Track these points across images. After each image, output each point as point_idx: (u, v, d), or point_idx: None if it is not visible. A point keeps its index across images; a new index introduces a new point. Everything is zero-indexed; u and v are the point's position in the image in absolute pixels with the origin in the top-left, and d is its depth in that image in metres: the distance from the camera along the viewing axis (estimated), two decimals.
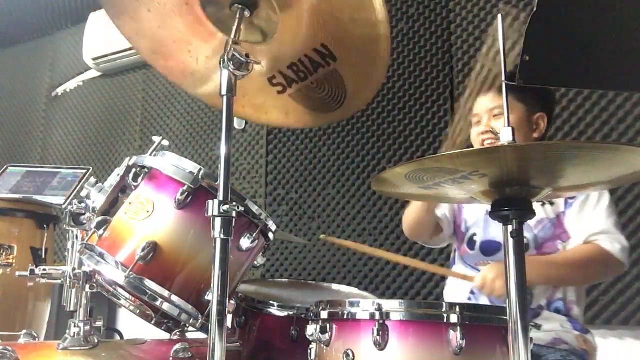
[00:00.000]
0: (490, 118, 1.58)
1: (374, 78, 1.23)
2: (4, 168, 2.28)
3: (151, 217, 1.21)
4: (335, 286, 1.92)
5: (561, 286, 1.54)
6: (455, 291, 1.67)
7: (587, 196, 1.54)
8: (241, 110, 1.39)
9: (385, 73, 1.24)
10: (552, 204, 1.57)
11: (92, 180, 1.31)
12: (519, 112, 1.54)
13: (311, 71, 1.24)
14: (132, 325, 1.63)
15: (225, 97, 1.07)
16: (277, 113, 1.39)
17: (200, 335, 1.26)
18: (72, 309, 1.20)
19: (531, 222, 1.54)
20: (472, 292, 1.59)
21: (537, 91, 1.55)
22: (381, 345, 1.06)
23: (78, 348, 1.16)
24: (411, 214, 1.71)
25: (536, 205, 1.54)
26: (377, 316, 1.08)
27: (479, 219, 1.67)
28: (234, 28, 1.13)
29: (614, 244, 1.47)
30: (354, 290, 1.90)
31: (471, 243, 1.66)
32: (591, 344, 1.53)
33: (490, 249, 1.61)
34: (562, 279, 1.53)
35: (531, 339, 0.99)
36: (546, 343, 1.46)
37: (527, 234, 1.54)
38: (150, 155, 1.28)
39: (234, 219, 1.00)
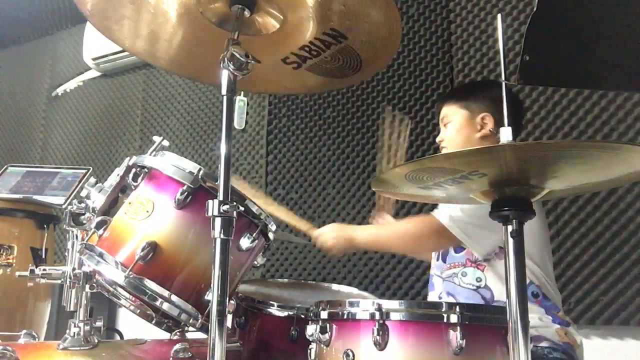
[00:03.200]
0: (442, 127, 1.73)
1: (387, 50, 1.26)
2: (4, 168, 2.28)
3: (151, 217, 1.21)
4: (335, 286, 1.92)
5: (386, 251, 1.77)
6: (431, 296, 1.72)
7: None
8: (259, 87, 1.42)
9: (398, 45, 1.27)
10: None
11: (92, 180, 1.31)
12: (461, 118, 1.69)
13: (323, 49, 1.25)
14: (132, 325, 1.63)
15: (225, 97, 1.07)
16: (295, 84, 1.44)
17: (200, 335, 1.26)
18: (72, 309, 1.20)
19: None
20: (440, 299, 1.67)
21: (480, 95, 1.67)
22: (381, 345, 1.06)
23: (78, 348, 1.16)
24: None
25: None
26: (377, 316, 1.08)
27: None
28: (234, 28, 1.13)
29: (444, 212, 1.56)
30: (354, 290, 1.90)
31: (437, 255, 1.72)
32: (573, 336, 1.52)
33: (445, 255, 1.67)
34: (392, 246, 1.78)
35: (531, 338, 0.99)
36: None
37: None
38: (150, 155, 1.28)
39: (234, 219, 1.00)
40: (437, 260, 1.71)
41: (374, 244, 1.73)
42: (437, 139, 1.75)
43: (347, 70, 1.31)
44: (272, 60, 1.29)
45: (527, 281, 1.51)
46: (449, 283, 1.62)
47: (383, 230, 1.74)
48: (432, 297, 1.70)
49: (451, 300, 1.59)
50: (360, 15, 1.15)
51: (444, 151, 1.69)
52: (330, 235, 1.70)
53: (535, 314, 1.50)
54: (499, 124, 1.63)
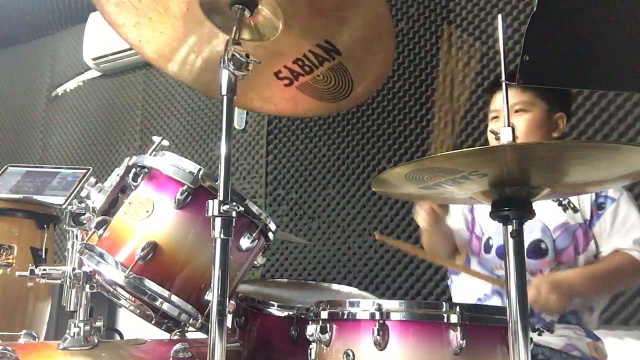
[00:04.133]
0: (510, 113, 1.57)
1: (380, 70, 1.24)
2: (4, 168, 2.28)
3: (151, 217, 1.21)
4: (335, 286, 1.92)
5: (596, 296, 1.55)
6: (468, 288, 1.66)
7: (617, 206, 1.51)
8: (249, 103, 1.40)
9: (391, 66, 1.25)
10: (575, 210, 1.54)
11: (92, 180, 1.31)
12: (540, 110, 1.53)
13: (317, 65, 1.25)
14: (132, 325, 1.63)
15: (225, 97, 1.07)
16: (285, 104, 1.40)
17: (200, 335, 1.26)
18: (72, 309, 1.20)
19: (551, 226, 1.53)
20: (485, 295, 1.58)
21: (560, 90, 1.55)
22: (381, 345, 1.06)
23: (78, 348, 1.16)
24: (425, 242, 1.75)
25: (558, 209, 1.53)
26: (377, 316, 1.08)
27: (492, 222, 1.66)
28: (234, 28, 1.13)
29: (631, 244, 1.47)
30: (354, 290, 1.90)
31: (487, 247, 1.64)
32: (602, 351, 1.52)
33: (489, 263, 1.60)
34: (602, 290, 1.54)
35: (531, 339, 0.99)
36: (559, 348, 1.45)
37: (546, 239, 1.52)
38: (150, 155, 1.28)
39: (234, 219, 1.00)
40: (488, 253, 1.63)
41: (590, 292, 1.50)
42: (499, 125, 1.54)
43: (338, 93, 1.31)
44: (265, 73, 1.29)
45: (571, 307, 1.49)
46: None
47: (597, 279, 1.48)
48: (469, 290, 1.64)
49: (494, 299, 1.56)
50: (355, 28, 1.14)
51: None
52: (551, 291, 1.38)
53: (570, 328, 1.49)
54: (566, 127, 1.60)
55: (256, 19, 1.21)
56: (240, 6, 1.15)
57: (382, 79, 1.28)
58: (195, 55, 1.33)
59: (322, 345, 1.15)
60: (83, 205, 1.26)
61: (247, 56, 1.07)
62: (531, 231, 1.53)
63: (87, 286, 1.22)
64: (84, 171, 2.19)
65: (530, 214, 1.00)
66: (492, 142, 1.61)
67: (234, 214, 1.00)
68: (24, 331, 1.25)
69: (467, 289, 1.67)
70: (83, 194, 1.28)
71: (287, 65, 1.27)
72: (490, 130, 1.56)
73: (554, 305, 1.36)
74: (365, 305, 1.11)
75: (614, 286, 1.58)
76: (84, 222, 1.26)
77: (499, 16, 1.02)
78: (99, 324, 1.21)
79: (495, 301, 1.56)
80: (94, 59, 3.75)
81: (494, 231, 1.64)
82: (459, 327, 1.04)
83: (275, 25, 1.20)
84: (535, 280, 1.40)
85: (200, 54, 1.32)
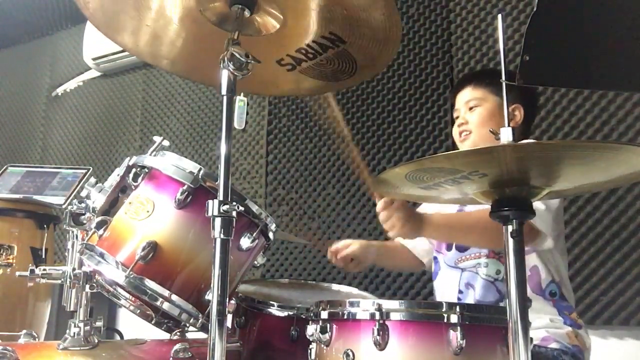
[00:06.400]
0: (466, 110, 1.64)
1: (385, 55, 1.25)
2: (4, 168, 2.28)
3: (151, 217, 1.21)
4: (335, 286, 1.92)
5: (463, 243, 1.57)
6: (444, 288, 1.67)
7: None
8: (251, 87, 1.40)
9: (397, 50, 1.25)
10: None
11: (92, 180, 1.31)
12: (492, 103, 1.61)
13: (320, 52, 1.25)
14: (132, 325, 1.63)
15: (225, 97, 1.07)
16: (288, 85, 1.42)
17: (200, 335, 1.26)
18: (72, 309, 1.20)
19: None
20: (460, 292, 1.59)
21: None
22: (381, 345, 1.06)
23: (78, 348, 1.16)
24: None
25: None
26: (377, 316, 1.08)
27: None
28: (234, 28, 1.13)
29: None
30: (354, 290, 1.90)
31: (449, 245, 1.66)
32: (583, 338, 1.50)
33: (463, 245, 1.61)
34: (463, 232, 1.50)
35: (531, 339, 1.00)
36: (537, 341, 1.44)
37: None
38: (150, 155, 1.28)
39: (234, 219, 1.00)
40: (449, 250, 1.64)
41: (448, 230, 1.50)
42: (459, 122, 1.64)
43: (341, 74, 1.31)
44: (267, 61, 1.28)
45: (549, 279, 1.50)
46: (470, 273, 1.56)
47: (463, 218, 1.51)
48: (446, 289, 1.64)
49: (470, 292, 1.56)
50: (361, 21, 1.14)
51: (464, 136, 1.63)
52: (400, 214, 1.40)
53: (547, 315, 1.48)
54: (526, 117, 1.63)
55: (257, 17, 1.21)
56: (240, 6, 1.15)
57: (387, 61, 1.28)
58: (189, 46, 1.33)
59: (322, 345, 1.15)
60: (83, 205, 1.26)
61: (247, 56, 1.07)
62: None
63: (87, 286, 1.22)
64: (84, 171, 2.19)
65: (531, 213, 1.00)
66: (456, 139, 1.68)
67: (234, 213, 1.00)
68: (24, 331, 1.25)
69: (443, 288, 1.68)
70: (83, 194, 1.28)
71: (290, 54, 1.27)
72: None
73: (397, 219, 1.38)
74: (365, 305, 1.11)
75: (475, 232, 1.46)
76: (84, 222, 1.26)
77: (499, 16, 1.02)
78: (99, 324, 1.21)
79: (470, 295, 1.56)
80: (94, 59, 3.75)
81: None
82: (459, 327, 1.04)
83: (276, 21, 1.20)
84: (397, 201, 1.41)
85: (192, 43, 1.32)
